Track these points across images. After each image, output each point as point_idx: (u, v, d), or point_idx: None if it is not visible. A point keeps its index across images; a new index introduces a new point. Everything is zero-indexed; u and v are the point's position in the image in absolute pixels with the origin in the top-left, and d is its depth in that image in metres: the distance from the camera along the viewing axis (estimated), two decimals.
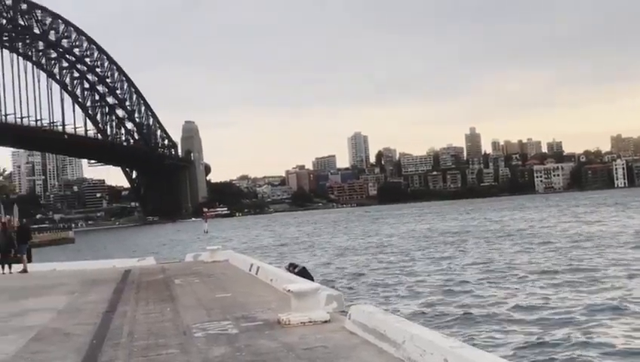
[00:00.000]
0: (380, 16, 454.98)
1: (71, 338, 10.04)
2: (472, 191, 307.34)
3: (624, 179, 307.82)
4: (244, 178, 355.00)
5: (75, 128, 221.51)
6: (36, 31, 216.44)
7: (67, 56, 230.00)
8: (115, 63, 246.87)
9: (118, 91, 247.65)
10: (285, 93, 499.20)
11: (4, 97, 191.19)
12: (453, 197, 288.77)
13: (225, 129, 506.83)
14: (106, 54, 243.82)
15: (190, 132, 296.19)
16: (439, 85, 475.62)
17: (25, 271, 23.41)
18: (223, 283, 15.98)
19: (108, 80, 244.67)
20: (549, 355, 16.17)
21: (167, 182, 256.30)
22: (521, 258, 38.86)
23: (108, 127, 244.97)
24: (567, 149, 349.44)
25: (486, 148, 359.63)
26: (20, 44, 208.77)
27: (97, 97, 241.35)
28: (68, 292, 16.17)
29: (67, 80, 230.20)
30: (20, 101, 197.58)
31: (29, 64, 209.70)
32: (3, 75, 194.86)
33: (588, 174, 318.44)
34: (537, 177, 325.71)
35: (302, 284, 10.74)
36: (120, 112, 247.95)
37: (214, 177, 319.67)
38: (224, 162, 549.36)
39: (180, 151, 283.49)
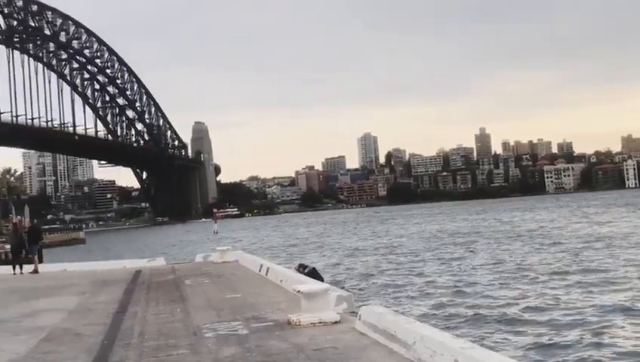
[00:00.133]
0: (392, 17, 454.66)
1: (82, 338, 10.07)
2: (482, 192, 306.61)
3: (635, 179, 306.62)
4: (253, 179, 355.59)
5: (85, 129, 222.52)
6: (47, 32, 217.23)
7: (77, 57, 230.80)
8: (125, 64, 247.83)
9: (128, 92, 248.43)
10: (295, 93, 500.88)
11: (16, 98, 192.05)
12: (463, 198, 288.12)
13: (235, 129, 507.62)
14: (116, 55, 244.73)
15: (200, 133, 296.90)
16: (449, 85, 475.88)
17: (36, 271, 23.47)
18: (233, 284, 15.99)
19: (118, 81, 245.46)
20: (560, 356, 16.10)
21: (177, 182, 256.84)
22: (531, 259, 38.73)
23: (118, 127, 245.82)
24: (578, 150, 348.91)
25: (496, 148, 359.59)
26: (30, 45, 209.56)
27: (108, 98, 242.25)
28: (79, 292, 16.22)
29: (78, 81, 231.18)
30: (31, 102, 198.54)
31: (40, 65, 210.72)
32: (14, 76, 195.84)
33: (598, 175, 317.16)
34: (548, 178, 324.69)
35: (312, 285, 10.73)
36: (130, 113, 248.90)
37: (224, 178, 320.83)
38: (234, 163, 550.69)
39: (189, 151, 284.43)
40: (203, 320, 10.83)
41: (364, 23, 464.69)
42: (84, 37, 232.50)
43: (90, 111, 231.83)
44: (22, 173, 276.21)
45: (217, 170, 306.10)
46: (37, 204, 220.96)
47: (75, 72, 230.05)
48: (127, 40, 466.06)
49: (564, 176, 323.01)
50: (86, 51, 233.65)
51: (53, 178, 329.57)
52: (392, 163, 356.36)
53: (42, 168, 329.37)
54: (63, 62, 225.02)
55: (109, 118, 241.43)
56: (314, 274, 16.73)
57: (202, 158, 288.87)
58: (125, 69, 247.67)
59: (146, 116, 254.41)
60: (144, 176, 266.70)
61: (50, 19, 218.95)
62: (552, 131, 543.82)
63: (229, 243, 46.85)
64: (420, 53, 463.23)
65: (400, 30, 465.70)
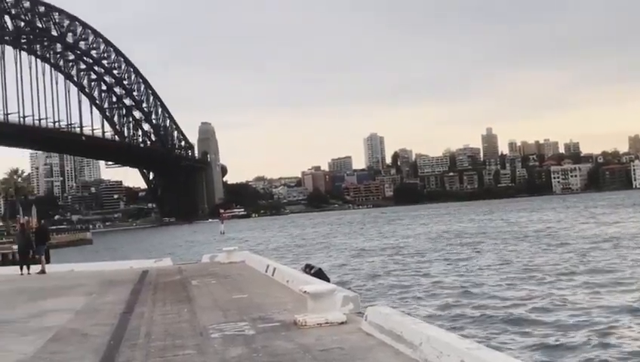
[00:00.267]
0: (397, 17, 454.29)
1: (89, 338, 10.10)
2: (488, 192, 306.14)
3: None
4: (260, 179, 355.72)
5: (92, 130, 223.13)
6: (54, 33, 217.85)
7: (85, 58, 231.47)
8: (132, 65, 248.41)
9: (135, 93, 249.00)
10: (301, 93, 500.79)
11: (23, 99, 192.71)
12: (469, 199, 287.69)
13: (241, 130, 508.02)
14: (123, 56, 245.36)
15: (206, 133, 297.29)
16: (455, 86, 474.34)
17: (43, 271, 23.52)
18: (239, 284, 16.00)
19: (125, 82, 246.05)
20: (567, 357, 16.07)
21: (183, 183, 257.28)
22: (538, 259, 38.67)
23: (125, 128, 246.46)
24: (585, 150, 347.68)
25: (503, 148, 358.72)
26: (38, 46, 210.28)
27: (115, 99, 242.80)
28: (86, 293, 16.26)
29: (85, 82, 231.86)
30: (39, 103, 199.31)
31: (47, 66, 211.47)
32: (22, 77, 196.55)
33: (606, 175, 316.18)
34: (555, 178, 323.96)
35: (318, 285, 10.74)
36: (137, 114, 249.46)
37: (230, 178, 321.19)
38: (240, 163, 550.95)
39: (196, 152, 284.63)
40: (210, 320, 10.85)
41: (369, 22, 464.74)
42: (91, 38, 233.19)
43: (97, 112, 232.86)
44: (29, 174, 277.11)
45: (224, 171, 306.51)
46: (44, 204, 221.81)
47: (82, 73, 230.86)
48: (128, 40, 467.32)
49: (571, 176, 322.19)
50: (93, 52, 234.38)
51: (61, 178, 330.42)
52: (399, 163, 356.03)
53: (50, 169, 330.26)
54: (70, 63, 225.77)
55: (115, 118, 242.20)
56: (320, 274, 16.74)
57: (209, 159, 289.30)
58: (132, 69, 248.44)
59: (153, 117, 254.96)
60: (151, 176, 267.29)
61: (57, 21, 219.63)
62: (559, 131, 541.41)
63: (235, 244, 46.93)
64: (426, 53, 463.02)
65: (408, 30, 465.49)
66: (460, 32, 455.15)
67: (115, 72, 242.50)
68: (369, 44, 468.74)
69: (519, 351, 16.46)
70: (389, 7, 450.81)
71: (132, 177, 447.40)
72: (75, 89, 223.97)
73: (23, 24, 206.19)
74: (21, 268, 23.89)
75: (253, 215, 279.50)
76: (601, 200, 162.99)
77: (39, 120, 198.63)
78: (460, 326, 19.99)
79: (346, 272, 38.44)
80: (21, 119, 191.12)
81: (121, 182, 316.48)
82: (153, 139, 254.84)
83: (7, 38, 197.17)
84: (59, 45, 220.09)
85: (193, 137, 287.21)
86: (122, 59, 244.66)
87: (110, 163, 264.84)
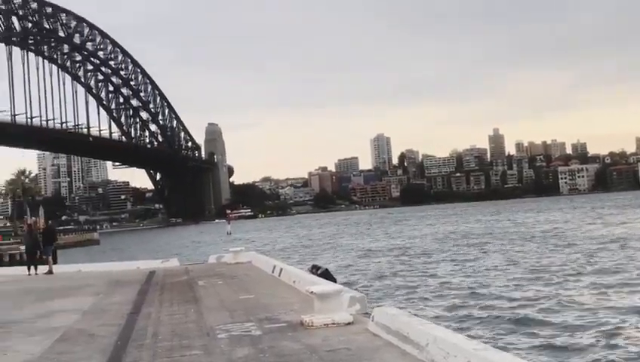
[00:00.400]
0: (403, 17, 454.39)
1: (96, 339, 10.12)
2: (495, 193, 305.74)
3: None
4: (266, 180, 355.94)
5: (99, 131, 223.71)
6: (61, 34, 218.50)
7: (92, 59, 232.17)
8: (139, 66, 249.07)
9: (142, 94, 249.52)
10: (307, 93, 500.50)
11: (31, 100, 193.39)
12: (476, 199, 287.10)
13: (247, 130, 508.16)
14: (130, 57, 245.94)
15: (213, 134, 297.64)
16: (463, 86, 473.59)
17: (50, 272, 23.59)
18: (246, 285, 16.02)
19: (132, 83, 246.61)
20: (574, 358, 16.03)
21: (190, 184, 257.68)
22: (545, 260, 38.57)
23: (132, 129, 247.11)
24: (592, 150, 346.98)
25: (510, 149, 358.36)
26: (45, 47, 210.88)
27: (122, 100, 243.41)
28: (93, 293, 16.30)
29: (92, 83, 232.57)
30: (46, 104, 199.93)
31: (55, 67, 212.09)
32: (29, 78, 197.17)
33: (613, 175, 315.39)
34: (562, 179, 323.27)
35: (325, 286, 10.73)
36: (144, 115, 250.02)
37: (237, 179, 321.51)
38: (247, 164, 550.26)
39: (203, 153, 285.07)
40: (216, 320, 10.86)
41: (369, 22, 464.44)
42: (98, 39, 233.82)
43: (105, 112, 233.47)
44: (37, 175, 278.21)
45: (230, 171, 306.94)
46: (51, 205, 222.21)
47: (89, 74, 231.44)
48: (128, 40, 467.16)
49: (579, 177, 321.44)
50: (100, 53, 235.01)
51: (68, 179, 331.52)
52: (405, 164, 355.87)
53: (57, 169, 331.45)
54: (78, 64, 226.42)
55: (123, 119, 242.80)
56: (327, 275, 16.74)
57: (215, 159, 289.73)
58: (139, 70, 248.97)
59: (160, 117, 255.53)
60: (158, 177, 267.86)
61: (64, 21, 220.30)
62: (565, 132, 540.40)
63: (242, 244, 47.00)
64: (432, 54, 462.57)
65: (422, 31, 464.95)
66: (467, 32, 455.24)
67: (122, 72, 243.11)
68: (374, 44, 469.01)
69: (526, 352, 16.42)
70: (390, 7, 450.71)
71: (139, 178, 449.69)
72: (83, 90, 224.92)
73: (30, 25, 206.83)
74: (29, 269, 23.97)
75: (260, 215, 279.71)
76: (609, 201, 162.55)
77: (47, 121, 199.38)
78: (467, 326, 19.96)
79: (353, 273, 38.41)
80: (29, 120, 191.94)
81: (128, 182, 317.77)
82: (160, 139, 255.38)
83: (14, 39, 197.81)
84: (66, 46, 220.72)
85: (200, 138, 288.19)
86: (129, 60, 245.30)
87: (117, 164, 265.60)
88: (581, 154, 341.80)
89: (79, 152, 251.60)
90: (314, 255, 55.27)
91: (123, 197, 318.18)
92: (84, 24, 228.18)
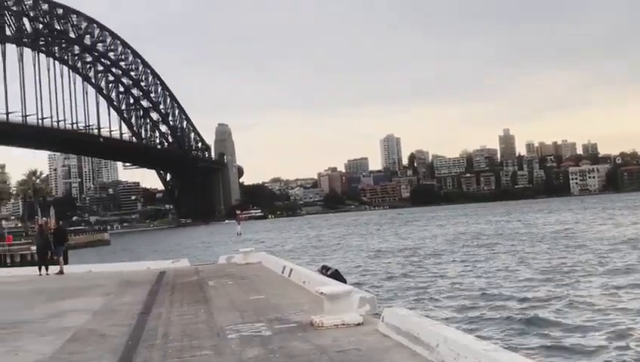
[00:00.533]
0: (414, 17, 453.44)
1: (107, 339, 10.15)
2: (506, 194, 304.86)
3: None
4: (276, 180, 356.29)
5: (110, 131, 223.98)
6: (72, 35, 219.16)
7: (102, 60, 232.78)
8: (149, 67, 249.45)
9: (152, 95, 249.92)
10: (317, 94, 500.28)
11: (42, 101, 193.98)
12: (487, 200, 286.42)
13: (257, 131, 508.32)
14: (141, 58, 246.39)
15: (223, 135, 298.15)
16: (472, 86, 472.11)
17: (61, 272, 23.67)
18: (256, 285, 16.02)
19: (142, 83, 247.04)
20: (585, 359, 15.97)
21: (200, 184, 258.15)
22: (556, 261, 38.44)
23: (142, 130, 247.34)
24: (603, 151, 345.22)
25: (520, 149, 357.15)
26: (56, 48, 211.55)
27: (132, 101, 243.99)
28: (104, 293, 16.34)
29: (102, 83, 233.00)
30: (57, 105, 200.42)
31: (65, 68, 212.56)
32: (40, 79, 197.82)
33: (624, 176, 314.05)
34: (572, 179, 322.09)
35: (335, 287, 10.73)
36: (154, 115, 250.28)
37: (247, 179, 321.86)
38: (256, 164, 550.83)
39: (213, 153, 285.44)
40: (226, 321, 10.87)
41: (370, 22, 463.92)
42: (108, 40, 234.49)
43: (115, 113, 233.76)
44: (47, 175, 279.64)
45: (240, 172, 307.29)
46: (62, 205, 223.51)
47: (99, 75, 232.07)
48: (127, 40, 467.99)
49: (589, 177, 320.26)
50: (110, 54, 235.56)
51: (79, 180, 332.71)
52: (415, 164, 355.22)
53: (68, 170, 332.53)
54: (88, 65, 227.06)
55: (133, 120, 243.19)
56: (337, 275, 16.71)
57: (225, 160, 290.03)
58: (149, 71, 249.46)
59: (170, 118, 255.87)
60: (168, 177, 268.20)
61: (75, 23, 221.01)
62: (576, 132, 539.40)
63: (252, 245, 47.06)
64: (443, 54, 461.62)
65: (433, 31, 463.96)
66: (478, 32, 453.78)
67: (132, 73, 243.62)
68: (384, 44, 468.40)
69: (536, 353, 16.37)
70: (405, 7, 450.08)
71: (149, 178, 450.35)
72: (93, 91, 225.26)
73: (41, 26, 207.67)
74: (40, 269, 24.05)
75: (270, 216, 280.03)
76: (620, 201, 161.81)
77: (57, 121, 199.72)
78: (477, 327, 19.92)
79: (363, 273, 38.41)
80: (40, 121, 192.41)
81: (138, 183, 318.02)
82: (170, 140, 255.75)
83: (25, 40, 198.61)
84: (77, 47, 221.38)
85: (210, 139, 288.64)
86: (139, 61, 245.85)
87: (128, 164, 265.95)
88: (592, 155, 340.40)
89: (90, 153, 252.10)
90: (324, 255, 55.27)
91: (133, 197, 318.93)
92: (95, 25, 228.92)
